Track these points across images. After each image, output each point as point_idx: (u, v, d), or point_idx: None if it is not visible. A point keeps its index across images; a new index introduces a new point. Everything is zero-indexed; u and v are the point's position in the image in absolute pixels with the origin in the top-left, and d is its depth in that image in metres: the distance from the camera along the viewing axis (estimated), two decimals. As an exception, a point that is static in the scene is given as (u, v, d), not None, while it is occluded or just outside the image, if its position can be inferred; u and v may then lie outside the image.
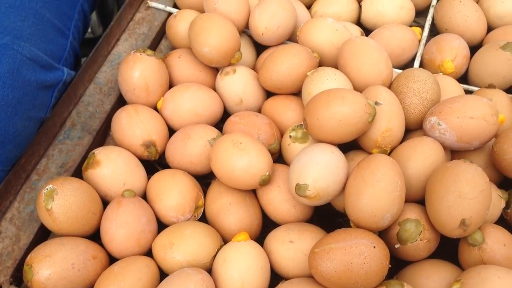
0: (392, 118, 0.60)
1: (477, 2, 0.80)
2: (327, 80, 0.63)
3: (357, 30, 0.77)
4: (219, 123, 0.70)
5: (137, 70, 0.66)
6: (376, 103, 0.61)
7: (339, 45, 0.69)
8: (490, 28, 0.79)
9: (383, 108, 0.60)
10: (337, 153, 0.57)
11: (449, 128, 0.60)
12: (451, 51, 0.73)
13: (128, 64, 0.66)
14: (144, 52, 0.67)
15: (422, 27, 0.82)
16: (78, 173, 0.63)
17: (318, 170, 0.55)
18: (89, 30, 1.67)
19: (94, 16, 1.46)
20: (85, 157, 0.64)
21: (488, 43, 0.77)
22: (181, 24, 0.74)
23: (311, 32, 0.71)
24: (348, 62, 0.66)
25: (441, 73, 0.73)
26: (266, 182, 0.58)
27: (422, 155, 0.59)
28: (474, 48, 0.77)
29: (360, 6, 0.81)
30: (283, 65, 0.66)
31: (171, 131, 0.67)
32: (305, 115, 0.60)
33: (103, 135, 0.68)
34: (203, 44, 0.67)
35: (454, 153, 0.64)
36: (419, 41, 0.78)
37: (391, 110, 0.61)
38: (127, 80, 0.67)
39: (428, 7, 0.83)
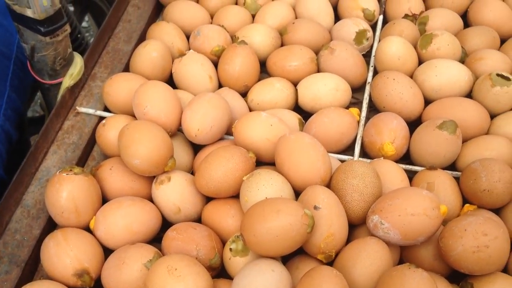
0: (333, 222, 0.58)
1: (411, 76, 0.80)
2: (263, 186, 0.61)
3: (295, 117, 0.76)
4: (160, 232, 0.66)
5: (64, 192, 0.62)
6: (315, 208, 0.58)
7: (275, 141, 0.67)
8: (427, 101, 0.79)
9: (323, 212, 0.58)
10: (278, 270, 0.54)
11: (392, 227, 0.58)
12: (390, 133, 0.72)
13: (54, 187, 0.63)
14: (71, 170, 0.64)
15: (361, 102, 0.81)
16: (6, 315, 0.58)
17: (258, 295, 0.52)
18: (38, 108, 1.63)
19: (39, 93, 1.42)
20: (13, 295, 0.59)
21: (426, 118, 0.76)
22: (110, 133, 0.71)
23: (245, 129, 0.69)
24: (284, 162, 0.64)
25: (382, 158, 0.71)
26: (207, 308, 0.54)
27: (368, 260, 0.56)
28: (413, 123, 0.76)
29: (296, 90, 0.80)
30: (218, 171, 0.64)
31: (108, 250, 0.63)
32: (242, 230, 0.57)
33: (33, 265, 0.64)
34: (133, 156, 0.64)
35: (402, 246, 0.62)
36: (358, 122, 0.77)
37: (331, 213, 0.59)
38: (54, 203, 0.63)
39: (365, 83, 0.83)
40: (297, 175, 0.63)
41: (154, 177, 0.68)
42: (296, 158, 0.63)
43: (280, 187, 0.61)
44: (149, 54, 0.78)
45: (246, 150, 0.67)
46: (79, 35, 1.30)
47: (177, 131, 0.73)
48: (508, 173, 0.64)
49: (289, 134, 0.65)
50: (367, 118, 0.78)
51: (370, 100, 0.81)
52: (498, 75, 0.75)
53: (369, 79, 0.82)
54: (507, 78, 0.74)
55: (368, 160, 0.73)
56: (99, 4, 1.37)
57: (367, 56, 0.88)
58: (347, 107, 0.80)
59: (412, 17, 0.90)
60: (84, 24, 1.71)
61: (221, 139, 0.74)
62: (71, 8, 1.46)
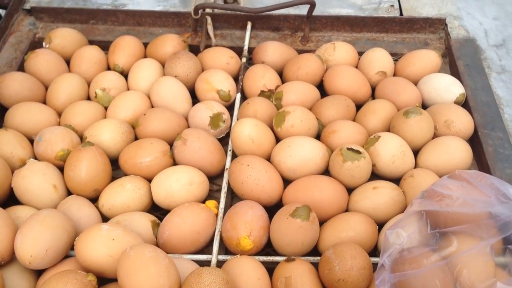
0: None
1: (269, 159, 0.78)
2: (98, 318, 0.55)
3: (148, 220, 0.71)
4: None
5: None
6: (155, 336, 0.53)
7: (119, 256, 0.61)
8: (288, 182, 0.76)
9: None
10: None
11: None
12: (245, 226, 0.68)
13: None
14: None
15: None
16: None
17: None
18: None
19: None
20: None
21: (286, 201, 0.74)
22: None
23: (85, 247, 0.63)
24: (125, 282, 0.59)
25: (239, 255, 0.68)
26: None
27: None
28: (275, 206, 0.74)
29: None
30: (51, 304, 0.57)
31: None
32: None
33: None
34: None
35: None
36: (216, 215, 0.73)
37: None
38: None
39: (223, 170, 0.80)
40: (139, 296, 0.58)
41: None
42: (136, 277, 0.58)
43: (118, 316, 0.56)
44: (-21, 173, 0.71)
45: (85, 273, 0.61)
46: None
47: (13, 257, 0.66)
48: (360, 258, 0.62)
49: (129, 249, 0.60)
50: (230, 206, 0.75)
51: (230, 187, 0.77)
52: (348, 149, 0.74)
53: (228, 164, 0.79)
54: (358, 152, 0.74)
55: (228, 257, 0.69)
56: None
57: (227, 137, 0.85)
58: (206, 199, 0.77)
59: (269, 93, 0.89)
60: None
61: (68, 256, 0.68)
62: None
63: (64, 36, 0.96)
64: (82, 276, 0.60)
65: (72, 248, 0.67)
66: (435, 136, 0.81)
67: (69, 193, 0.76)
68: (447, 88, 0.86)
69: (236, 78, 0.94)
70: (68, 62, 0.94)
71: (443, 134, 0.80)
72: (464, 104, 0.86)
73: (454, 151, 0.76)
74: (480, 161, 0.80)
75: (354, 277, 0.61)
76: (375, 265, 0.64)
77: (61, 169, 0.77)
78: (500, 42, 0.99)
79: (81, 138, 0.82)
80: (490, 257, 0.54)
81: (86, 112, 0.84)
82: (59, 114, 0.86)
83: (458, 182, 0.63)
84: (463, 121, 0.80)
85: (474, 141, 0.82)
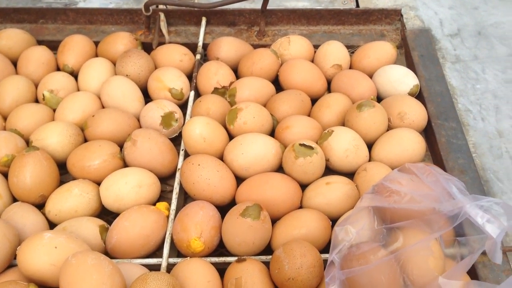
0: None
1: (223, 158, 0.77)
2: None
3: (95, 225, 0.69)
4: None
5: None
6: None
7: (61, 265, 0.59)
8: (240, 180, 0.75)
9: None
10: None
11: None
12: (195, 227, 0.67)
13: None
14: None
15: (177, 190, 0.76)
16: None
17: None
18: None
19: None
20: None
21: (239, 200, 0.72)
22: None
23: (27, 256, 0.61)
24: (67, 292, 0.57)
25: (189, 258, 0.66)
26: None
27: None
28: (229, 205, 0.72)
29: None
30: (-12, 318, 0.55)
31: None
32: None
33: None
34: None
35: None
36: (168, 216, 0.71)
37: None
38: None
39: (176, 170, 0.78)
40: (82, 306, 0.56)
41: None
42: (78, 286, 0.56)
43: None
44: None
45: (27, 283, 0.59)
46: None
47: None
48: (309, 256, 0.61)
49: (71, 257, 0.58)
50: (183, 207, 0.73)
51: (182, 189, 0.76)
52: (301, 145, 0.73)
53: (180, 164, 0.78)
54: (310, 147, 0.73)
55: (179, 260, 0.67)
56: None
57: (181, 136, 0.83)
58: (159, 200, 0.75)
59: (223, 89, 0.87)
60: None
61: (12, 265, 0.65)
62: None
63: (11, 37, 0.93)
64: (22, 287, 0.58)
65: (15, 257, 0.65)
66: (389, 128, 0.80)
67: (14, 200, 0.74)
68: (401, 79, 0.86)
69: (190, 76, 0.92)
70: (15, 63, 0.91)
71: (396, 127, 0.80)
72: (419, 95, 0.86)
73: (407, 143, 0.76)
74: (434, 152, 0.80)
75: (304, 275, 0.60)
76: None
77: (6, 175, 0.74)
78: (455, 31, 0.99)
79: (28, 142, 0.79)
80: (431, 251, 0.54)
81: (33, 115, 0.82)
82: (5, 118, 0.83)
83: (408, 175, 0.62)
84: (416, 113, 0.80)
85: (428, 132, 0.82)
